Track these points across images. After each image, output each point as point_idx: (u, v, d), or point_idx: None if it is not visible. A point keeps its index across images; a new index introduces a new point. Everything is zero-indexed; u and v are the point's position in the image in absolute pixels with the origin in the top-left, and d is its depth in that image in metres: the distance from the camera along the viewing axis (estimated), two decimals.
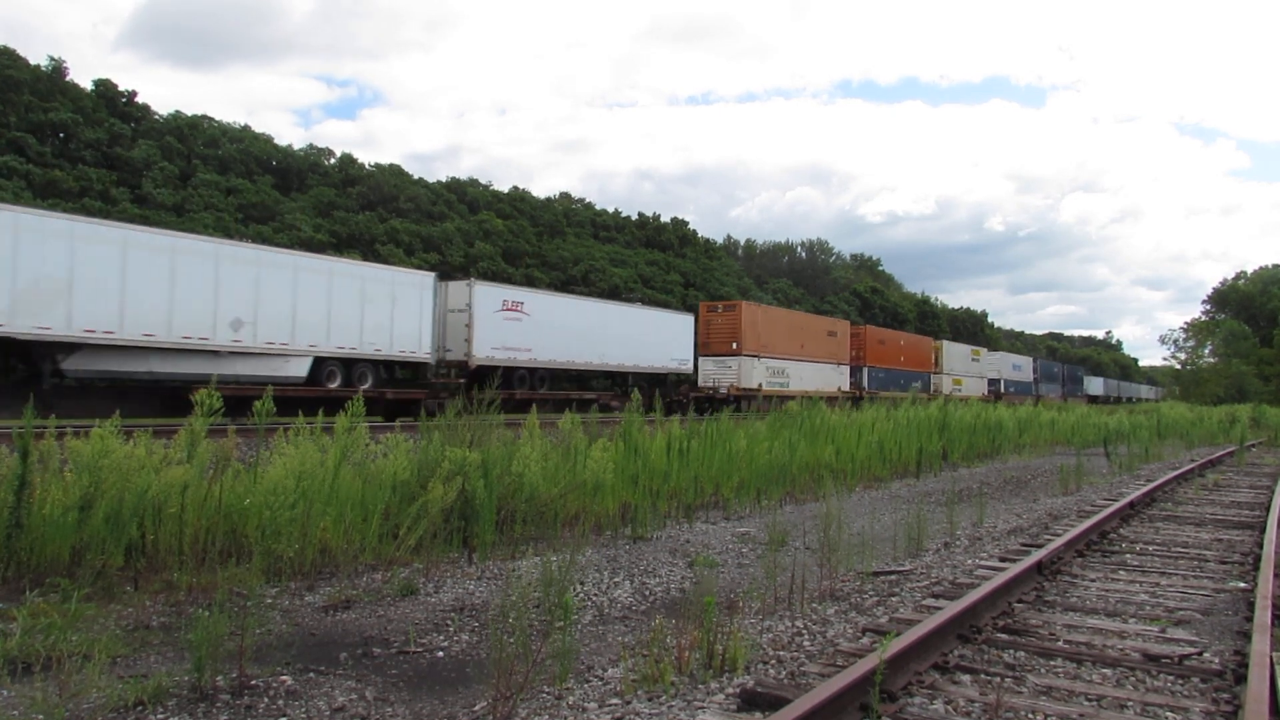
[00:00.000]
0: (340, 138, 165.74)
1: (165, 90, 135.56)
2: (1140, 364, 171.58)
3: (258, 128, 75.39)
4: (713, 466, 11.44)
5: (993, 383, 56.46)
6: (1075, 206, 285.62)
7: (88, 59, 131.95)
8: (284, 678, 4.57)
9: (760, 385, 33.41)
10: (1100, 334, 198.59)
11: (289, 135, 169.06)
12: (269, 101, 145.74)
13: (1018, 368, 63.37)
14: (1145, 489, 12.67)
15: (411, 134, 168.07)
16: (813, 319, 42.09)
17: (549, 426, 10.47)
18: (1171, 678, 4.67)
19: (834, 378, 39.23)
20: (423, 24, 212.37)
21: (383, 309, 21.89)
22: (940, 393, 43.07)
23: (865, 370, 42.05)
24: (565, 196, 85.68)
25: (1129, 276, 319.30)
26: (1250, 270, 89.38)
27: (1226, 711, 4.15)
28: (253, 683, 4.42)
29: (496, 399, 9.78)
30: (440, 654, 5.10)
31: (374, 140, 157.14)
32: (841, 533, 7.42)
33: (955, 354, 51.87)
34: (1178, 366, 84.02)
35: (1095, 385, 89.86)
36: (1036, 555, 7.12)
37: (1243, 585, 6.93)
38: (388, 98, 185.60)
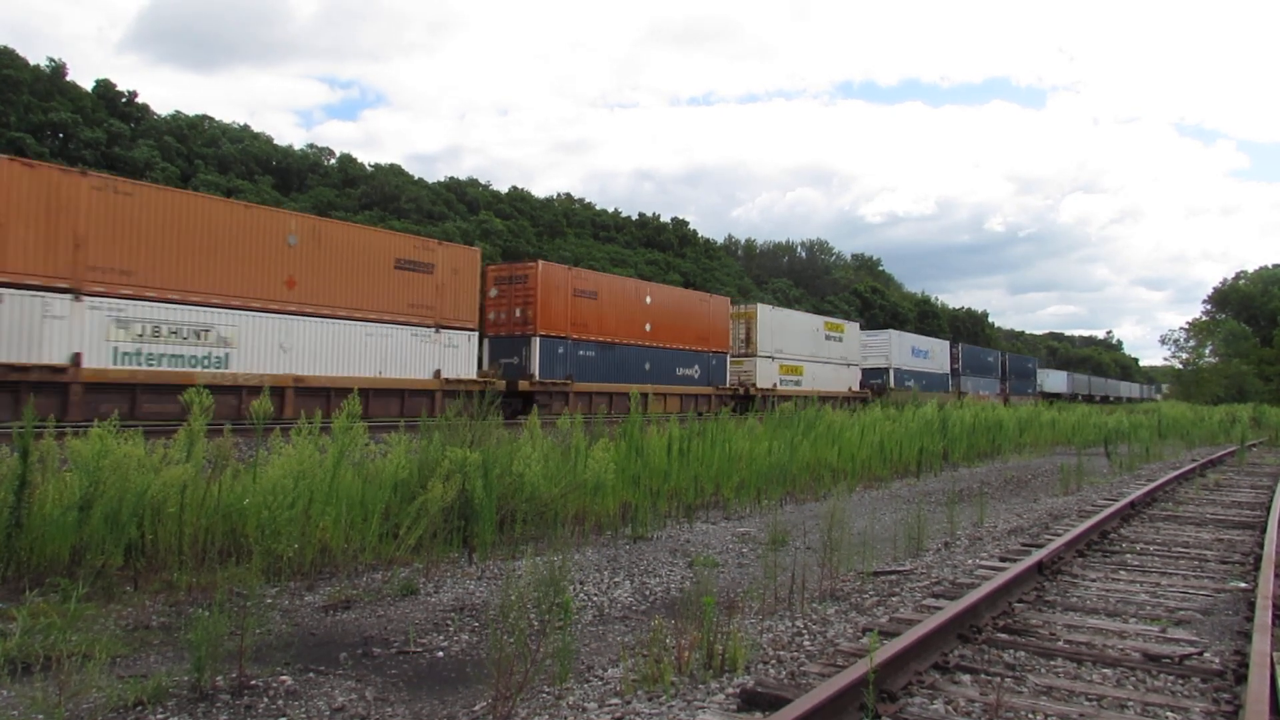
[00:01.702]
0: (342, 138, 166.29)
1: (169, 92, 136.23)
2: (1141, 364, 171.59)
3: (260, 129, 75.41)
4: (713, 466, 11.44)
5: (874, 374, 42.12)
6: (1075, 207, 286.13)
7: (92, 61, 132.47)
8: (284, 678, 4.56)
9: None
10: (1101, 334, 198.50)
11: (291, 136, 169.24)
12: (272, 103, 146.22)
13: (922, 354, 47.63)
14: (1146, 489, 12.66)
15: (414, 135, 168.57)
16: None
17: (549, 426, 10.47)
18: (1172, 678, 4.66)
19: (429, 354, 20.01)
20: (426, 26, 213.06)
21: None
22: (747, 386, 31.20)
23: (535, 343, 22.66)
24: (565, 197, 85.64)
25: (1129, 277, 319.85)
26: (1250, 270, 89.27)
27: (1227, 711, 4.15)
28: (252, 683, 4.42)
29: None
30: (440, 654, 5.10)
31: (376, 141, 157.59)
32: (842, 532, 7.42)
33: (788, 327, 34.32)
34: (1178, 366, 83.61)
35: (1056, 381, 75.41)
36: (1037, 555, 7.11)
37: (1243, 585, 6.92)
38: (390, 99, 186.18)
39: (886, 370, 43.32)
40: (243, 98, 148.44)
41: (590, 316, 24.64)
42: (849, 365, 38.83)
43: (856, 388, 38.75)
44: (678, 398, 27.80)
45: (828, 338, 37.44)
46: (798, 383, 34.16)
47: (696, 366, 28.85)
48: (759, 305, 33.67)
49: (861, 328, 47.20)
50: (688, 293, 32.08)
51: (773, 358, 32.84)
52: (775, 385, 32.54)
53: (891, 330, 48.29)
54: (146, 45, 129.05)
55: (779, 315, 34.73)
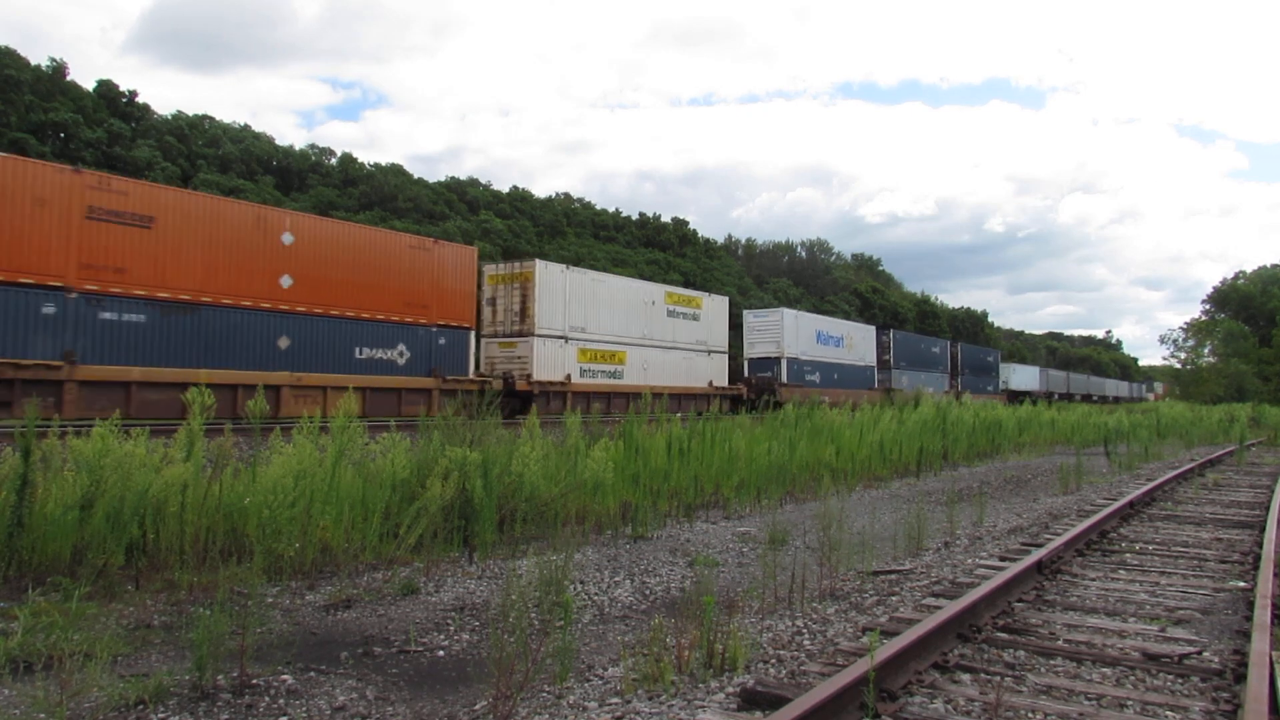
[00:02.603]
0: (344, 139, 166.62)
1: (172, 93, 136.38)
2: (1140, 363, 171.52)
3: (262, 130, 75.51)
4: (713, 466, 11.45)
5: (762, 365, 33.78)
6: (1074, 207, 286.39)
7: (96, 63, 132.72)
8: (285, 677, 4.57)
9: None
10: (1100, 334, 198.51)
11: (292, 137, 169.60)
12: (274, 104, 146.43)
13: (833, 340, 37.59)
14: (1145, 488, 12.67)
15: (415, 135, 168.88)
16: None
17: (548, 426, 10.48)
18: (1171, 677, 4.67)
19: None
20: (428, 27, 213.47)
21: None
22: (513, 378, 22.30)
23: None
24: (565, 197, 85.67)
25: (1128, 277, 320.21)
26: (1249, 270, 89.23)
27: (1226, 711, 4.15)
28: (254, 682, 4.43)
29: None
30: (441, 653, 5.11)
31: (377, 142, 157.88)
32: (842, 532, 7.43)
33: (598, 295, 25.27)
34: (1177, 366, 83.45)
35: (1024, 377, 66.70)
36: (1036, 554, 7.12)
37: (1242, 584, 6.93)
38: (392, 100, 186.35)
39: (778, 361, 33.73)
40: (245, 99, 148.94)
41: (134, 253, 14.65)
42: (710, 353, 29.56)
43: (723, 382, 30.09)
44: (362, 392, 17.20)
45: (671, 314, 27.84)
46: (615, 374, 25.21)
47: (402, 347, 19.07)
48: (538, 262, 23.49)
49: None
50: (381, 233, 20.86)
51: (566, 338, 23.68)
52: (570, 377, 23.59)
53: (785, 309, 36.38)
54: (150, 47, 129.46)
55: (580, 280, 24.91)
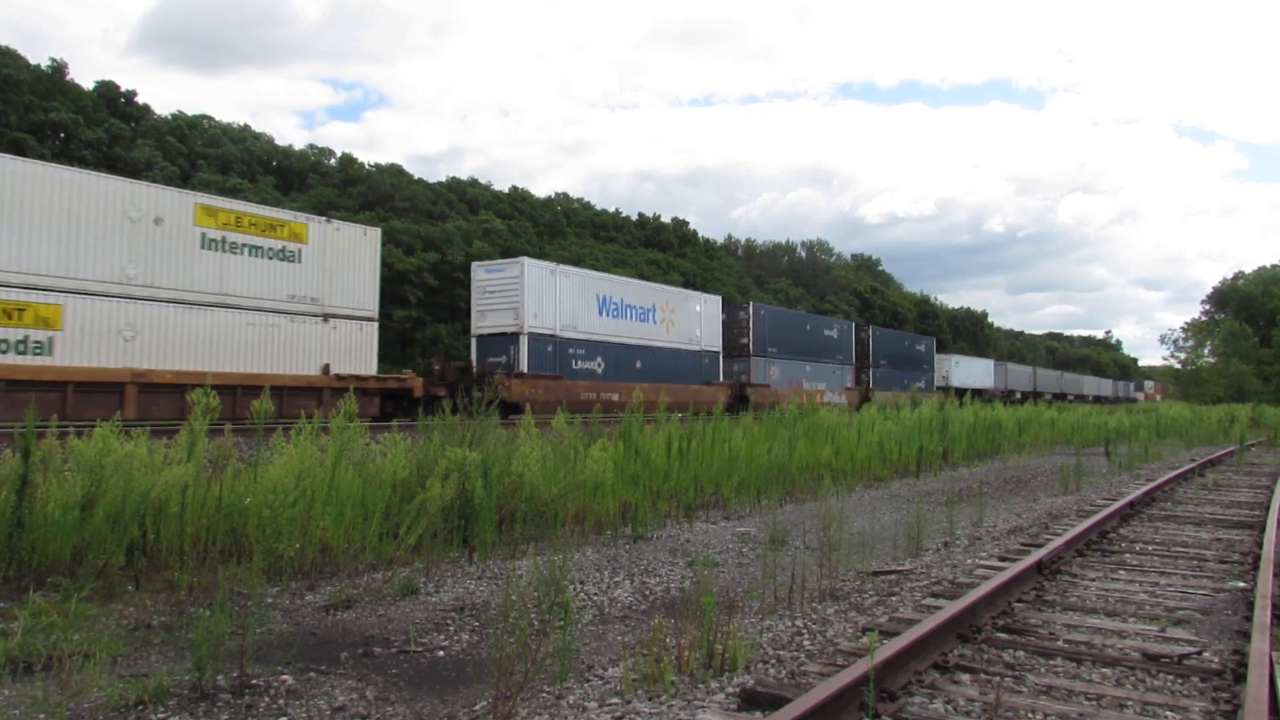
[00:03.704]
0: (344, 140, 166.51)
1: (174, 94, 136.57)
2: (1140, 363, 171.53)
3: (262, 130, 75.62)
4: (713, 466, 11.45)
5: (495, 344, 22.05)
6: (1074, 207, 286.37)
7: (98, 64, 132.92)
8: (285, 677, 4.57)
9: None
10: (1100, 334, 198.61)
11: (293, 137, 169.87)
12: (275, 105, 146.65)
13: (636, 313, 25.96)
14: (1145, 488, 12.67)
15: (416, 136, 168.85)
16: None
17: (546, 426, 10.49)
18: (1171, 677, 4.67)
19: None
20: (429, 28, 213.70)
21: None
22: None
23: None
24: (565, 197, 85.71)
25: (1127, 277, 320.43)
26: (1249, 270, 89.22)
27: (1226, 711, 4.16)
28: (254, 682, 4.43)
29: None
30: (441, 653, 5.11)
31: (378, 142, 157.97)
32: (841, 532, 7.43)
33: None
34: (1177, 366, 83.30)
35: (971, 372, 54.77)
36: (1036, 555, 7.12)
37: (1242, 585, 6.93)
38: (393, 100, 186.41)
39: (516, 339, 21.73)
40: (247, 99, 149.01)
41: None
42: (326, 318, 17.37)
43: (363, 367, 18.03)
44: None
45: (234, 247, 16.06)
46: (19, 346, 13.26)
47: None
48: None
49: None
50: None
51: None
52: None
53: (528, 259, 23.52)
54: (152, 48, 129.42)
55: None
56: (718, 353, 29.77)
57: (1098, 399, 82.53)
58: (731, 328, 31.36)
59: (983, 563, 7.50)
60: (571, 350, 23.46)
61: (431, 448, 8.15)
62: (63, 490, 6.10)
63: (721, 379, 29.62)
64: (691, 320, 28.52)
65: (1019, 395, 58.08)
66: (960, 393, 45.51)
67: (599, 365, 24.45)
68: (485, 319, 22.68)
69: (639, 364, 25.78)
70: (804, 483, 13.21)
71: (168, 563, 6.29)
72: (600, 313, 24.60)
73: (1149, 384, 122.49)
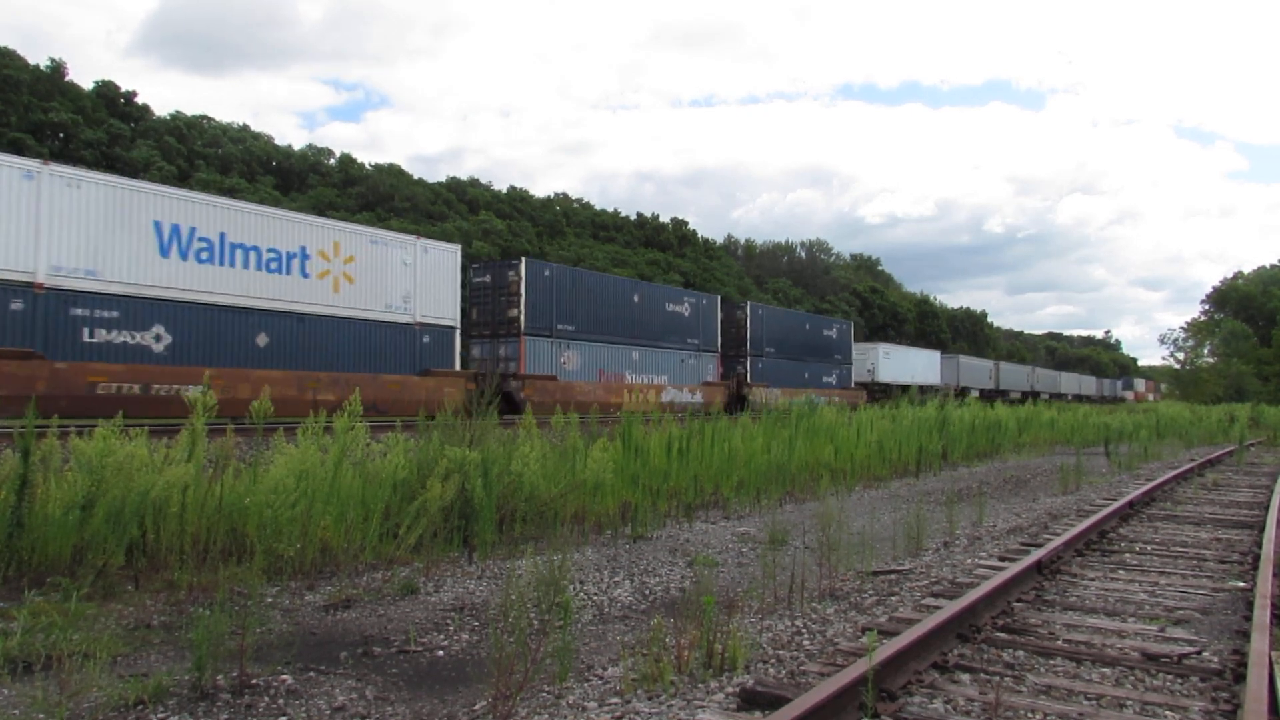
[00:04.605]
0: (345, 140, 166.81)
1: (175, 94, 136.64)
2: (1140, 364, 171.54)
3: (262, 130, 75.63)
4: (712, 466, 11.45)
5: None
6: (1074, 208, 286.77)
7: (100, 65, 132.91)
8: (284, 677, 4.57)
9: None
10: (1099, 334, 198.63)
11: (293, 138, 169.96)
12: (276, 105, 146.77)
13: (286, 260, 17.00)
14: (1144, 488, 12.67)
15: (416, 136, 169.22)
16: None
17: (546, 425, 10.49)
18: (1171, 677, 4.67)
19: None
20: (430, 29, 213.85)
21: None
22: None
23: None
24: (564, 197, 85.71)
25: (1127, 277, 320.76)
26: (1248, 271, 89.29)
27: (1225, 711, 4.16)
28: (253, 682, 4.43)
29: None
30: (440, 653, 5.11)
31: (378, 143, 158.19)
32: (841, 532, 7.43)
33: None
34: (1176, 366, 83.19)
35: (904, 365, 45.41)
36: (1036, 554, 7.12)
37: (1242, 585, 6.93)
38: (393, 101, 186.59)
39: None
40: (248, 101, 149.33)
41: None
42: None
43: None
44: None
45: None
46: None
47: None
48: None
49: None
50: None
51: None
52: None
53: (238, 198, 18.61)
54: (154, 49, 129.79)
55: None
56: (452, 328, 20.08)
57: (1079, 398, 74.34)
58: (498, 295, 22.51)
59: (982, 562, 7.50)
60: (82, 312, 14.37)
61: (431, 448, 8.15)
62: (63, 490, 6.10)
63: (456, 366, 20.26)
64: (394, 276, 19.01)
65: (977, 392, 47.83)
66: (885, 389, 39.73)
67: (159, 341, 15.30)
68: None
69: (263, 339, 16.78)
70: (803, 482, 13.21)
71: (167, 562, 6.28)
72: (165, 252, 15.54)
73: (1139, 382, 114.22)
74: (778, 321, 35.10)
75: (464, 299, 21.52)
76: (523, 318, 22.36)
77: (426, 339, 19.66)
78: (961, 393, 42.74)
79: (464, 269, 21.56)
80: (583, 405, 20.67)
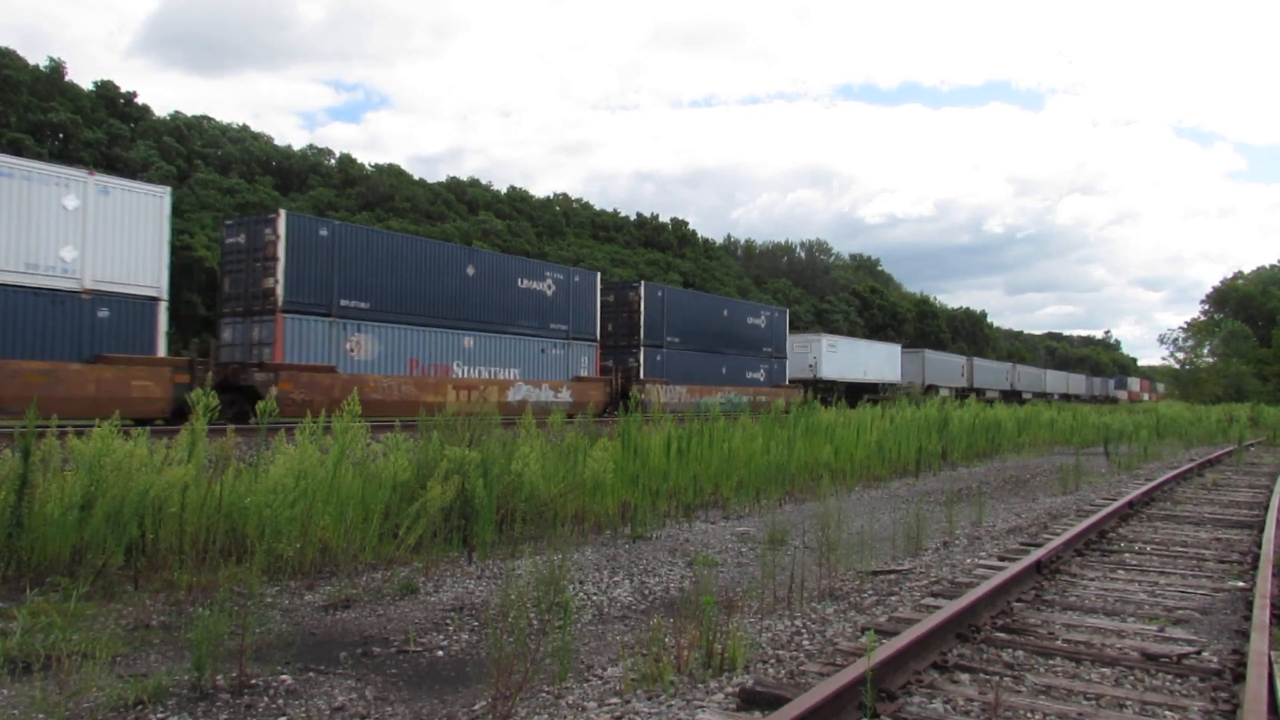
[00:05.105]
0: (345, 140, 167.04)
1: (176, 95, 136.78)
2: (1139, 364, 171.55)
3: (262, 131, 75.67)
4: (712, 466, 11.45)
5: None
6: (1074, 208, 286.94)
7: (101, 65, 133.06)
8: (284, 677, 4.57)
9: None
10: (1099, 334, 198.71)
11: (293, 138, 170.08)
12: (276, 106, 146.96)
13: None
14: (1144, 488, 12.67)
15: (416, 136, 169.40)
16: None
17: (545, 425, 10.49)
18: (1170, 677, 4.67)
19: None
20: (430, 29, 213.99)
21: None
22: None
23: None
24: (564, 197, 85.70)
25: (1127, 277, 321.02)
26: (1248, 271, 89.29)
27: (1225, 710, 4.16)
28: (253, 682, 4.43)
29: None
30: (440, 653, 5.11)
31: (379, 143, 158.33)
32: (840, 532, 7.43)
33: None
34: (1176, 366, 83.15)
35: (854, 359, 39.55)
36: (1035, 554, 7.12)
37: (1241, 584, 6.94)
38: (394, 101, 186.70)
39: None
40: (248, 101, 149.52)
41: None
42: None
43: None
44: None
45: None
46: None
47: None
48: None
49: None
50: None
51: None
52: None
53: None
54: (155, 50, 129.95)
55: None
56: (154, 300, 14.92)
57: (1066, 398, 68.60)
58: (253, 260, 17.37)
59: (982, 562, 7.50)
60: None
61: (431, 448, 8.15)
62: (62, 490, 6.10)
63: (162, 350, 15.06)
64: (49, 224, 13.65)
65: (948, 393, 41.95)
66: (830, 387, 34.03)
67: None
68: None
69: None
70: (803, 482, 13.21)
71: (167, 562, 6.28)
72: None
73: (1133, 381, 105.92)
74: (684, 306, 29.10)
75: (245, 268, 17.02)
76: (280, 288, 16.87)
77: (104, 313, 14.17)
78: (929, 392, 39.32)
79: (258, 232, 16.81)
80: (381, 405, 17.33)
